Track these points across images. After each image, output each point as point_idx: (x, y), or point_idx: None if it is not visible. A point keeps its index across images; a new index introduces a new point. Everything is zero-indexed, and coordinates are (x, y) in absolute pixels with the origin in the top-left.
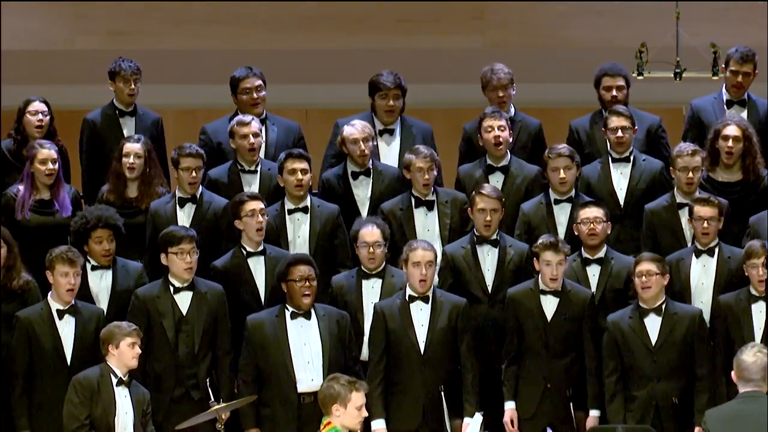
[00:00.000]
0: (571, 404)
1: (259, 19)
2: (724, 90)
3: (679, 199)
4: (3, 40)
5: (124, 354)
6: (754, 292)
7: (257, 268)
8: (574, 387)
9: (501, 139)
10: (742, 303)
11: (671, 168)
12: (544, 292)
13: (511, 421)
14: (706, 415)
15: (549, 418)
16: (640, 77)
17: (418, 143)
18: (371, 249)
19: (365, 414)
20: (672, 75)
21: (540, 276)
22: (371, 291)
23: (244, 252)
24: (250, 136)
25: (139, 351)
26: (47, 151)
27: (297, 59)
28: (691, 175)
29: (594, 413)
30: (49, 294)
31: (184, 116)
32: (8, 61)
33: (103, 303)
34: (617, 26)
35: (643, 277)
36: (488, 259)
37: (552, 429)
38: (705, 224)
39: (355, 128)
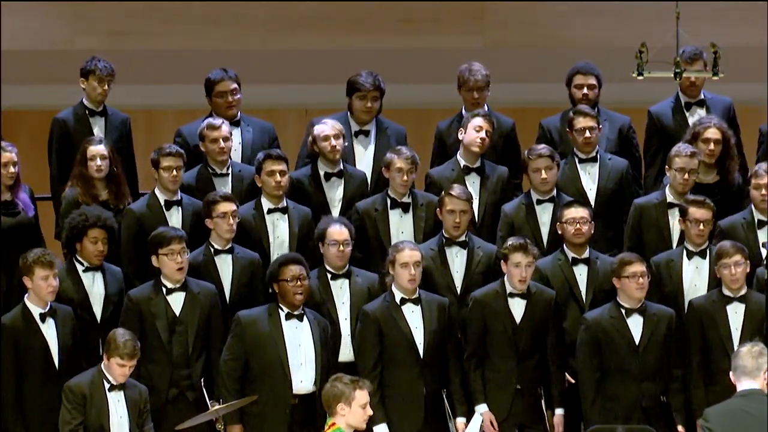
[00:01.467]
0: (543, 402)
1: (259, 19)
2: (679, 93)
3: (669, 198)
4: (3, 40)
5: (112, 368)
6: (727, 292)
7: (224, 266)
8: (542, 386)
9: (485, 142)
10: (716, 304)
11: (666, 167)
12: (512, 295)
13: (491, 423)
14: (706, 412)
15: (520, 419)
16: (640, 77)
17: (392, 145)
18: (341, 247)
19: (370, 412)
20: (672, 75)
21: (507, 278)
22: (340, 291)
23: (212, 250)
24: (220, 140)
25: (128, 372)
26: (9, 155)
27: (297, 59)
28: (687, 176)
29: (559, 411)
30: (26, 297)
31: (184, 116)
32: (8, 61)
33: (97, 305)
34: (617, 26)
35: (640, 278)
36: (457, 260)
37: (522, 429)
38: (701, 227)
39: (326, 125)
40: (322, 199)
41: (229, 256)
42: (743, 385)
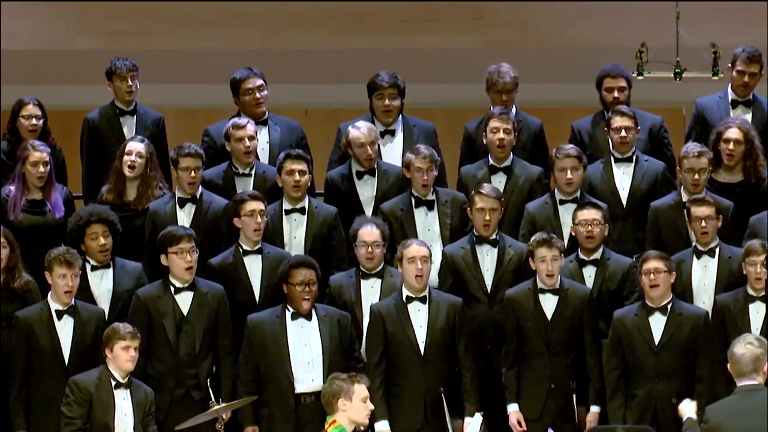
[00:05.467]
0: (574, 397)
1: (259, 19)
2: (729, 90)
3: (685, 198)
4: (3, 40)
5: (118, 357)
6: (751, 291)
7: (253, 266)
8: (577, 383)
9: (505, 142)
10: (740, 303)
11: (678, 168)
12: (543, 291)
13: (518, 422)
14: (707, 410)
15: (553, 417)
16: (640, 77)
17: (420, 143)
18: (370, 248)
19: (371, 406)
20: (672, 75)
21: (537, 274)
22: (370, 291)
23: (241, 250)
24: (246, 139)
25: (134, 354)
26: (39, 154)
27: (297, 59)
28: (696, 176)
29: (594, 409)
30: (49, 294)
31: (184, 116)
32: (8, 61)
33: (104, 304)
34: (617, 26)
35: (651, 275)
36: (487, 259)
37: (555, 428)
38: (703, 223)
39: (360, 131)
40: (355, 197)
41: (258, 256)
42: (744, 381)
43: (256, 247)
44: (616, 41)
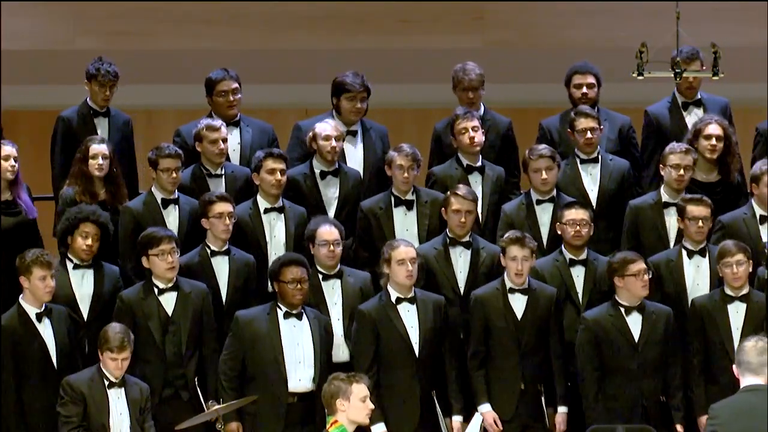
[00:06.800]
0: (543, 399)
1: (259, 19)
2: (676, 93)
3: (665, 198)
4: (3, 40)
5: (106, 364)
6: (729, 292)
7: (221, 268)
8: (544, 384)
9: (476, 139)
10: (718, 303)
11: (661, 165)
12: (512, 291)
13: (495, 422)
14: (712, 408)
15: (524, 418)
16: (640, 77)
17: (377, 145)
18: (331, 247)
19: (371, 406)
20: (672, 75)
21: (506, 273)
22: (331, 292)
23: (208, 251)
24: (220, 141)
25: (122, 366)
26: (9, 148)
27: (297, 59)
28: (682, 172)
29: (562, 409)
30: (20, 298)
31: (184, 116)
32: (8, 61)
33: (84, 304)
34: (617, 26)
35: (644, 276)
36: (461, 260)
37: (526, 428)
38: (700, 223)
39: (329, 125)
40: (318, 197)
41: (226, 258)
42: (747, 380)
43: (224, 249)
44: (616, 41)
